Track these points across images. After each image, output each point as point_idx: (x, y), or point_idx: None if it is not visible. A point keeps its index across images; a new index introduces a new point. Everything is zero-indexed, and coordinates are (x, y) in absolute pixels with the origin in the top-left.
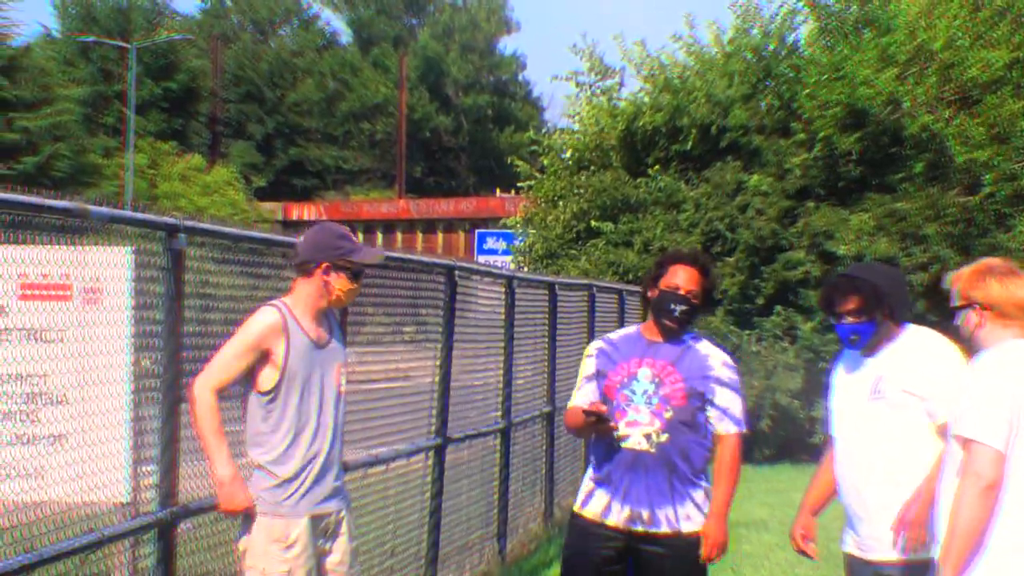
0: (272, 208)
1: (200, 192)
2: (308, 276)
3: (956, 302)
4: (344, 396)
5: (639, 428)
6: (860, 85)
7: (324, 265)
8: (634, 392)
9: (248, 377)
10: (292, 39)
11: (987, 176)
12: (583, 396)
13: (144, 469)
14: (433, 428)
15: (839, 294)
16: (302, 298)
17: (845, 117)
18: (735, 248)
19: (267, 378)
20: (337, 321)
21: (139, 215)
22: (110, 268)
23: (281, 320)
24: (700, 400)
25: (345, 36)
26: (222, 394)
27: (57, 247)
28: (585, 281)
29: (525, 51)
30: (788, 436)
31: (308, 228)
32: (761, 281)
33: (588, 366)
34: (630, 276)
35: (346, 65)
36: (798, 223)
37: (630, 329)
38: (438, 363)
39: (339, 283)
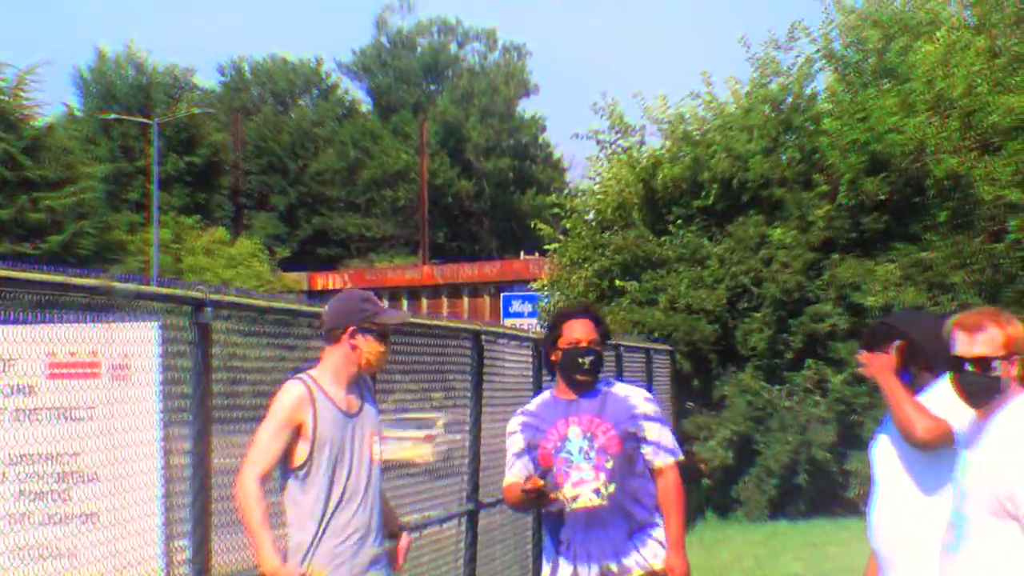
0: (297, 278)
1: (225, 265)
2: (336, 343)
3: (988, 351)
4: (379, 464)
5: (586, 485)
6: (885, 133)
7: (350, 329)
8: (571, 453)
9: (284, 455)
10: (312, 109)
11: (1013, 222)
12: (516, 473)
13: (177, 544)
14: (465, 493)
15: (874, 344)
16: (331, 366)
17: (868, 164)
18: (762, 303)
19: (300, 453)
20: (371, 388)
21: (164, 290)
22: (138, 344)
23: (307, 391)
24: (634, 441)
25: (365, 104)
26: (265, 482)
27: (85, 325)
28: (610, 341)
29: (545, 113)
30: (823, 490)
31: (333, 297)
32: (789, 335)
33: (515, 442)
34: (656, 335)
35: (366, 133)
36: (824, 275)
37: (544, 396)
38: (468, 428)
39: (367, 346)
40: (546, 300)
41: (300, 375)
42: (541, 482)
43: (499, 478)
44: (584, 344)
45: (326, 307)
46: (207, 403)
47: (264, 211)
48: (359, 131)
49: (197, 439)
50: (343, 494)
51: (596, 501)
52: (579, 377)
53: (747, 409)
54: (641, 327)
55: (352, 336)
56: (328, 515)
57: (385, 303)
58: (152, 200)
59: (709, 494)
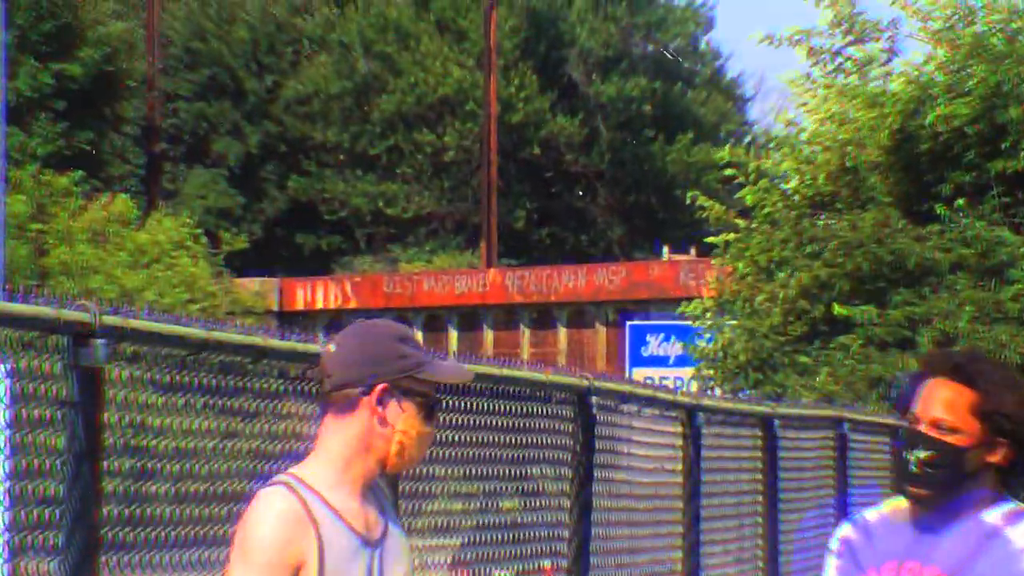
0: (261, 289)
1: (129, 263)
2: (348, 412)
3: None
4: None
5: None
6: None
7: (379, 389)
8: None
9: None
10: None
11: None
12: None
13: None
14: None
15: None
16: (337, 454)
17: None
18: None
19: None
20: (387, 495)
21: (17, 308)
22: None
23: (300, 508)
24: None
25: None
26: None
27: None
28: (828, 412)
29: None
30: None
31: (348, 329)
32: None
33: (829, 570)
34: None
35: (389, 28)
36: None
37: (897, 502)
38: (567, 566)
39: (403, 420)
40: (708, 337)
41: (282, 478)
42: None
43: None
44: (926, 428)
45: (331, 346)
46: (94, 514)
47: (201, 167)
48: (375, 24)
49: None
50: None
51: None
52: (910, 488)
53: None
54: (885, 388)
55: (382, 402)
56: None
57: (419, 336)
58: None
59: None
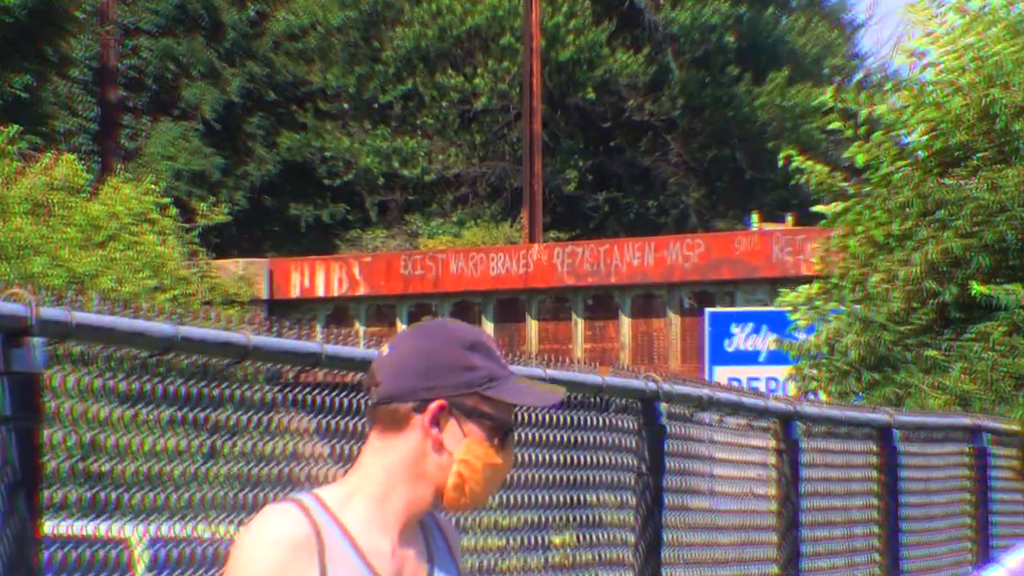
0: (247, 273)
1: (79, 241)
2: (395, 431)
3: None
4: None
5: None
6: None
7: (435, 406)
8: None
9: None
10: None
11: None
12: None
13: None
14: None
15: None
16: (374, 479)
17: None
18: None
19: None
20: (450, 534)
21: None
22: None
23: (311, 534)
24: None
25: None
26: None
27: None
28: (963, 420)
29: None
30: None
31: (409, 328)
32: None
33: None
34: None
35: None
36: None
37: None
38: None
39: (465, 447)
40: (808, 330)
41: (298, 496)
42: None
43: None
44: None
45: (385, 348)
46: (33, 560)
47: (169, 120)
48: None
49: None
50: None
51: None
52: None
53: None
54: None
55: (438, 422)
56: None
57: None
58: None
59: None
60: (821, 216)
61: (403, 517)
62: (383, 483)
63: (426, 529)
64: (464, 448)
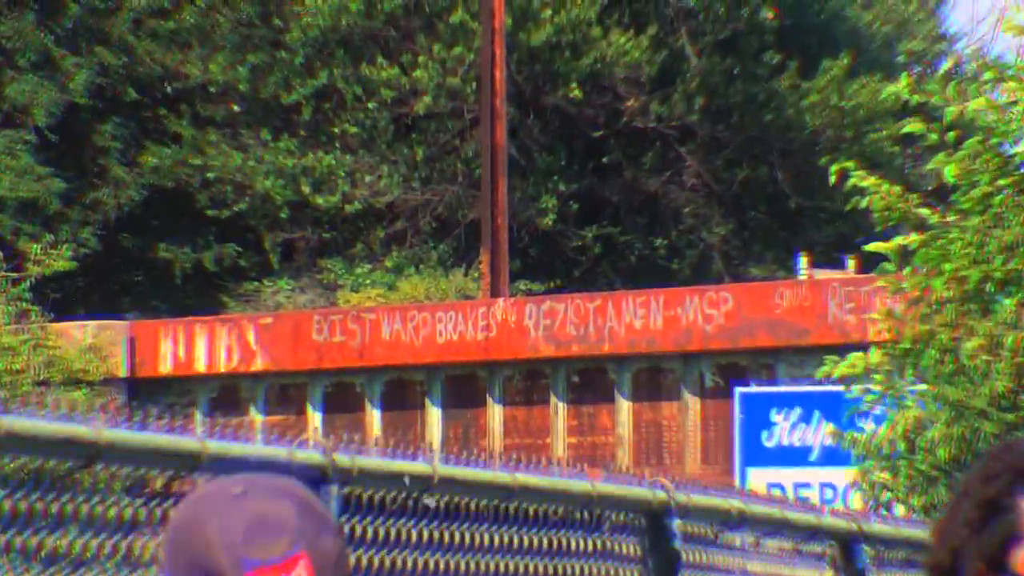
0: (98, 341)
1: None
2: None
3: None
4: None
5: None
6: None
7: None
8: None
9: None
10: None
11: None
12: None
13: None
14: None
15: None
16: None
17: None
18: None
19: None
20: None
21: None
22: None
23: None
24: None
25: None
26: None
27: None
28: None
29: None
30: None
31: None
32: None
33: None
34: None
35: None
36: None
37: None
38: None
39: None
40: (875, 418)
41: None
42: None
43: None
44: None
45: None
46: None
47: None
48: None
49: None
50: None
51: None
52: None
53: None
54: None
55: None
56: None
57: (371, 416)
58: None
59: None
60: (882, 257)
61: None
62: None
63: None
64: None
